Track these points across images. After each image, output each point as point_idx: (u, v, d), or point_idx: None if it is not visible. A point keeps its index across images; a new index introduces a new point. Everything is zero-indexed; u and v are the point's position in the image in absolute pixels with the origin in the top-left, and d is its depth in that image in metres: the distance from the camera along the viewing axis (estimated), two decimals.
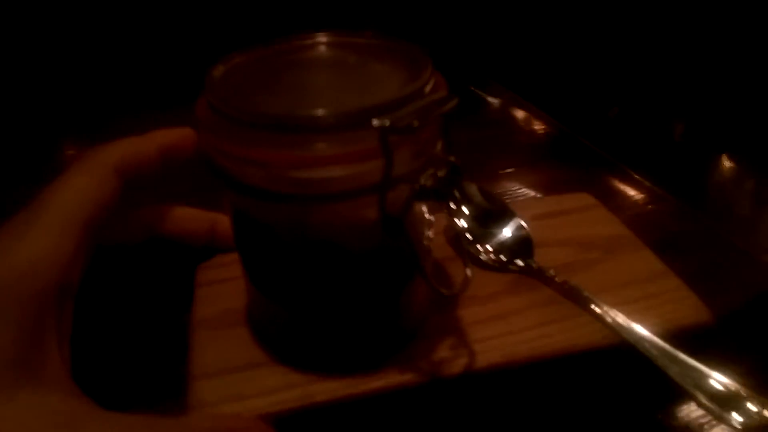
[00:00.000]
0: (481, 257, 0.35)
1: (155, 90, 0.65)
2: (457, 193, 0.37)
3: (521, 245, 0.35)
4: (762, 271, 0.37)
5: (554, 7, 0.79)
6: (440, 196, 0.23)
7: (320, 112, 0.21)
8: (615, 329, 0.30)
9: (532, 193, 0.46)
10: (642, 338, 0.29)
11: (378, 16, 0.81)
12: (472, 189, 0.38)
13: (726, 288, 0.36)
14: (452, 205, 0.33)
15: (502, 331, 0.30)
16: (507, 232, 0.36)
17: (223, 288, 0.33)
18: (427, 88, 0.23)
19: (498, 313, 0.31)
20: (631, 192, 0.45)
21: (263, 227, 0.25)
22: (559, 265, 0.34)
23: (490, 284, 0.33)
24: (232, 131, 0.22)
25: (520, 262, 0.34)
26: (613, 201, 0.41)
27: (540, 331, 0.30)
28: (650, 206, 0.43)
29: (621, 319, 0.30)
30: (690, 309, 0.32)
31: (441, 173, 0.23)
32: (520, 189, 0.46)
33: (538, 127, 0.58)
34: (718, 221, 0.40)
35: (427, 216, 0.27)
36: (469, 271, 0.26)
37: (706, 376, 0.27)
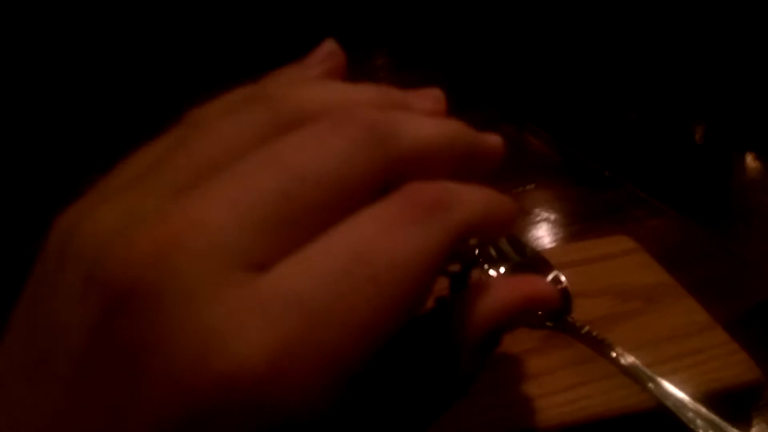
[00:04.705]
0: None
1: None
2: (492, 251, 0.36)
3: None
4: None
5: (564, 20, 0.75)
6: (454, 289, 0.23)
7: None
8: (653, 393, 0.28)
9: (552, 217, 0.44)
10: (683, 404, 0.28)
11: (388, 38, 0.78)
12: (504, 243, 0.36)
13: None
14: None
15: (532, 394, 0.29)
16: None
17: None
18: None
19: (528, 373, 0.30)
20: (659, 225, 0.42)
21: None
22: (596, 318, 0.32)
23: (520, 341, 0.32)
24: None
25: (554, 318, 0.33)
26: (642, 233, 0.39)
27: (572, 394, 0.29)
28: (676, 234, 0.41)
29: (661, 380, 0.29)
30: (738, 367, 0.30)
31: (454, 268, 0.23)
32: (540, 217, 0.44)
33: (548, 151, 0.55)
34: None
35: None
36: None
37: None
